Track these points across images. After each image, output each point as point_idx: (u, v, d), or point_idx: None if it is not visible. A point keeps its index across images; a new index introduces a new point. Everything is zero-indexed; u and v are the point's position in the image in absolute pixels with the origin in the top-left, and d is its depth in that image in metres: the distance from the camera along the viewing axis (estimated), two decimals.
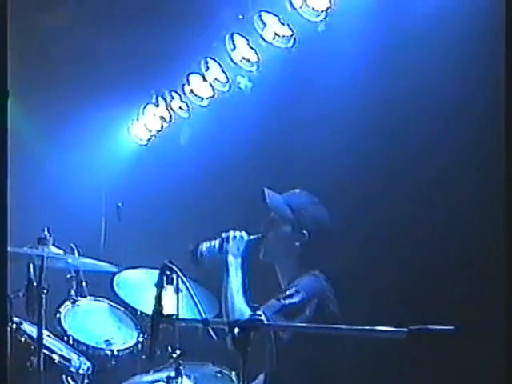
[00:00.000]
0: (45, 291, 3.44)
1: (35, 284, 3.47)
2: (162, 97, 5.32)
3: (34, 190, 5.60)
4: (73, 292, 4.18)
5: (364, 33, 3.74)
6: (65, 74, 5.45)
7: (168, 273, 2.65)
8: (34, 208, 5.40)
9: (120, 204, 5.28)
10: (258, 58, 4.22)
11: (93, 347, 4.00)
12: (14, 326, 3.64)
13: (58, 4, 5.25)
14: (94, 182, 5.79)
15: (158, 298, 2.60)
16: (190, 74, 4.89)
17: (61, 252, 3.65)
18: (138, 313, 4.19)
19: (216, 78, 4.66)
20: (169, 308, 2.67)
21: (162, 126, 5.53)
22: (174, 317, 2.64)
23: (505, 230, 2.48)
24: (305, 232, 3.35)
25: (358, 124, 3.84)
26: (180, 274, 2.67)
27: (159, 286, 2.62)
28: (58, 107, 5.61)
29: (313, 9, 3.76)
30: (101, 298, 4.36)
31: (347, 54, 3.84)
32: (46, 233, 3.55)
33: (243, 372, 2.26)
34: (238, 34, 4.27)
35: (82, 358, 3.85)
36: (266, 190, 3.41)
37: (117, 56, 5.23)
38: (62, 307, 4.08)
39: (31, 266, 3.51)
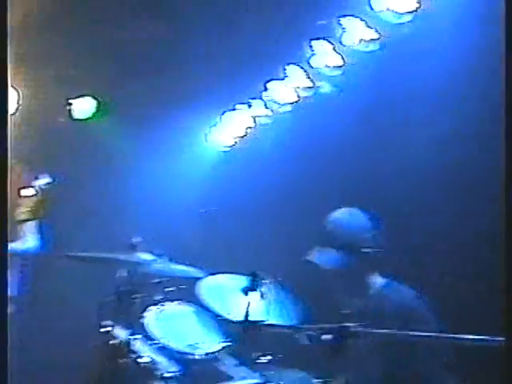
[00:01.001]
0: (135, 296, 3.51)
1: (126, 289, 3.54)
2: (245, 103, 5.35)
3: (123, 198, 5.72)
4: (160, 297, 4.25)
5: (452, 35, 3.64)
6: (146, 82, 5.56)
7: (257, 279, 2.65)
8: (124, 215, 5.52)
9: (204, 210, 5.33)
10: (344, 63, 4.18)
11: (179, 351, 4.03)
12: (106, 329, 3.73)
13: (142, 14, 5.34)
14: (178, 188, 5.87)
15: (248, 304, 2.60)
16: (272, 80, 4.90)
17: (151, 257, 3.71)
18: (224, 318, 4.21)
19: (300, 84, 4.65)
20: (257, 314, 2.67)
21: (245, 133, 5.57)
22: (264, 322, 2.64)
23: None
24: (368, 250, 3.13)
25: (445, 131, 3.74)
26: (269, 280, 2.67)
27: (249, 292, 2.62)
28: (143, 117, 5.73)
29: (397, 12, 3.70)
30: (187, 303, 4.40)
31: (434, 57, 3.75)
32: (136, 239, 3.62)
33: (336, 379, 2.23)
34: (321, 38, 4.24)
35: (169, 362, 3.90)
36: (312, 259, 3.13)
37: (198, 62, 5.29)
38: (150, 312, 4.15)
39: (122, 271, 3.58)
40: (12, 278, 4.41)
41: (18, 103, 5.50)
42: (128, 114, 5.78)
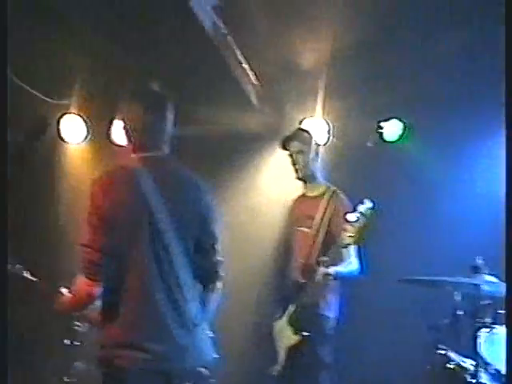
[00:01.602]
0: (471, 319, 3.40)
1: (461, 312, 3.45)
2: None
3: (435, 220, 5.59)
4: (489, 319, 4.06)
5: None
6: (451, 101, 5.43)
7: None
8: (449, 236, 5.38)
9: None
10: None
11: None
12: (441, 352, 3.66)
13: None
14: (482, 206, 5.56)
15: None
16: None
17: (487, 278, 3.57)
18: None
19: None
20: None
21: None
22: None
23: None
24: None
25: None
26: None
27: None
28: (448, 134, 5.60)
29: None
30: None
31: None
32: (478, 260, 3.51)
33: None
34: None
35: None
36: None
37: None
38: (482, 335, 3.98)
39: (459, 293, 3.49)
40: (334, 299, 4.58)
41: (328, 133, 5.73)
42: (432, 133, 5.69)
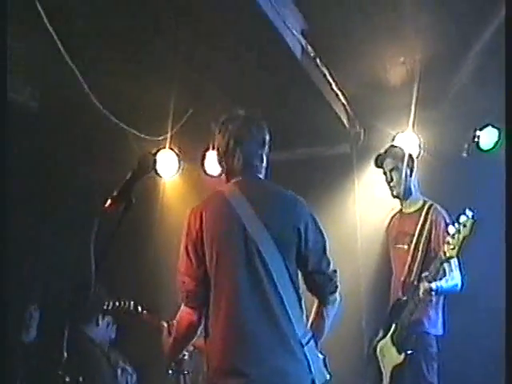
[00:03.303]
0: None
1: None
2: None
3: None
4: None
5: None
6: None
7: None
8: None
9: None
10: None
11: None
12: None
13: None
14: None
15: None
16: None
17: None
18: None
19: None
20: None
21: None
22: None
23: None
24: None
25: None
26: None
27: None
28: None
29: None
30: None
31: None
32: None
33: None
34: None
35: None
36: None
37: None
38: None
39: None
40: (437, 316, 4.48)
41: (421, 147, 5.58)
42: None
